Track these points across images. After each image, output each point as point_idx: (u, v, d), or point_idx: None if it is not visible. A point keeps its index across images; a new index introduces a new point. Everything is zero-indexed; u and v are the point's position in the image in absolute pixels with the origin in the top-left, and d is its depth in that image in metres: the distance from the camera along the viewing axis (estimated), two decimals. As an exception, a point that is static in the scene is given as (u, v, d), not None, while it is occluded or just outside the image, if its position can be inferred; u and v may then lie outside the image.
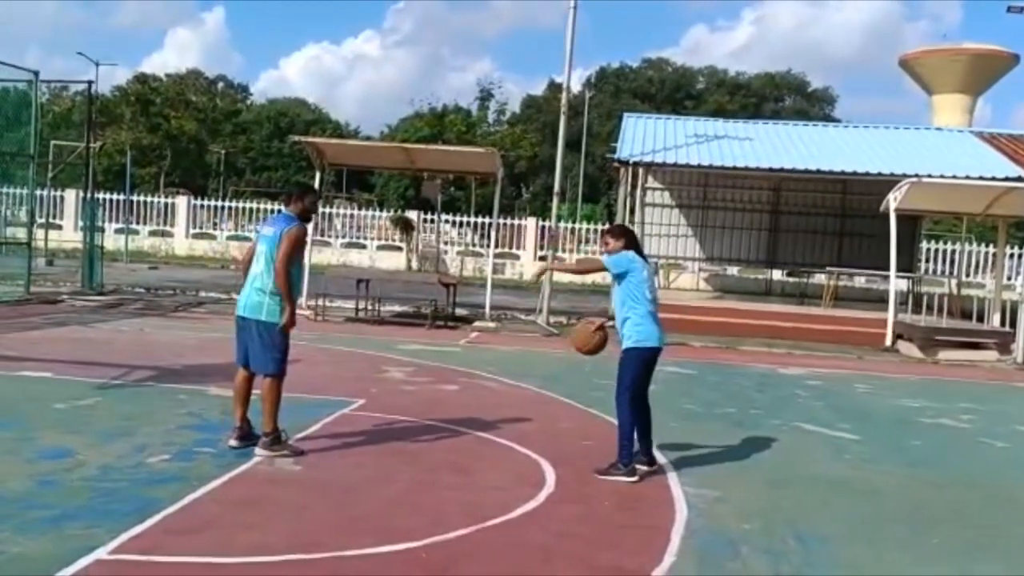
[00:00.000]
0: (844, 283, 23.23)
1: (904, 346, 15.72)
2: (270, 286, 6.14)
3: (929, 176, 16.77)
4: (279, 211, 6.57)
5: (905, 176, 16.58)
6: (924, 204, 17.73)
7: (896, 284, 16.54)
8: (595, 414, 8.18)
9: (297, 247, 6.21)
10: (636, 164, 18.98)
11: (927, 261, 29.11)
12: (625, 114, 24.05)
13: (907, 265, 20.39)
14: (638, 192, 22.33)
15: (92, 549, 4.23)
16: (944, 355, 15.01)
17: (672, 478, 6.24)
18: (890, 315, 16.17)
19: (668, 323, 16.24)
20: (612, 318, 6.50)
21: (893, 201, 16.21)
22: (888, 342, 15.90)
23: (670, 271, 25.75)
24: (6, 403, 7.41)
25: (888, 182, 17.03)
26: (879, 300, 20.31)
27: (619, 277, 6.21)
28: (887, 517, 5.77)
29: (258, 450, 6.14)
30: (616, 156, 19.00)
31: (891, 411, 9.92)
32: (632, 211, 22.47)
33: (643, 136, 20.65)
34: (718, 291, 24.58)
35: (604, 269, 6.30)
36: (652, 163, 19.29)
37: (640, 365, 6.17)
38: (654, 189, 23.21)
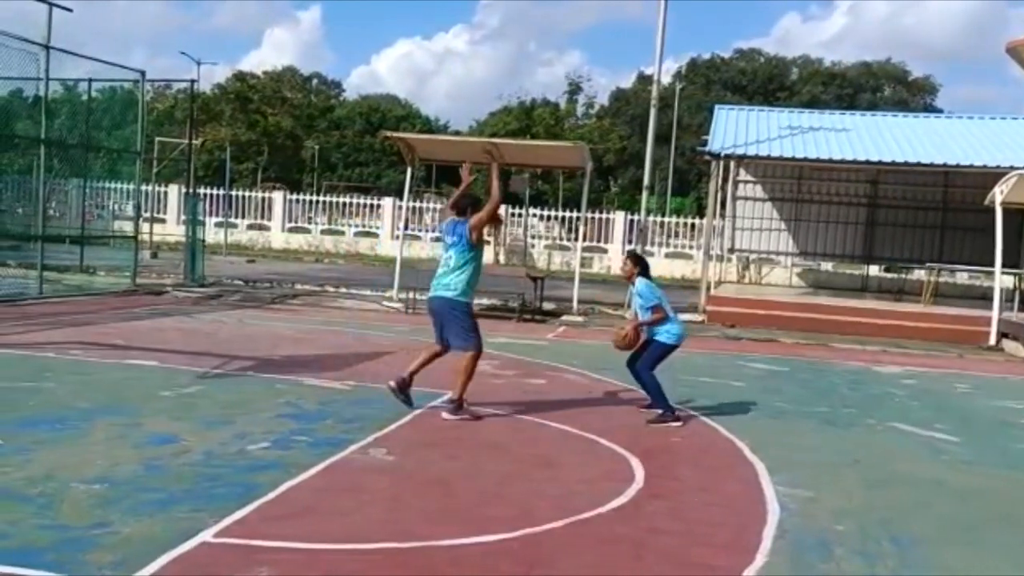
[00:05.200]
0: (945, 279, 22.41)
1: (1009, 345, 15.12)
2: None
3: (1039, 168, 16.09)
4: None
5: (1012, 168, 15.94)
6: (1033, 197, 17.01)
7: (1002, 280, 15.93)
8: (681, 410, 8.13)
9: None
10: (727, 157, 18.70)
11: (1035, 257, 27.85)
12: (716, 106, 23.69)
13: (1013, 261, 19.55)
14: (729, 185, 22.06)
15: (198, 532, 4.42)
16: (1052, 355, 14.41)
17: (764, 477, 6.17)
18: (995, 312, 15.59)
19: (758, 319, 16.21)
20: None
21: (999, 194, 15.61)
22: (992, 340, 15.34)
23: (762, 266, 25.31)
24: (116, 390, 7.77)
25: (994, 174, 16.40)
26: (982, 297, 19.56)
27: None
28: (987, 521, 5.60)
29: (445, 415, 7.24)
30: (707, 149, 18.73)
31: (992, 412, 9.58)
32: (723, 205, 22.18)
33: (735, 128, 20.31)
34: (812, 287, 24.02)
35: (660, 309, 7.79)
36: (744, 156, 18.97)
37: (666, 353, 7.92)
38: (746, 182, 22.88)
